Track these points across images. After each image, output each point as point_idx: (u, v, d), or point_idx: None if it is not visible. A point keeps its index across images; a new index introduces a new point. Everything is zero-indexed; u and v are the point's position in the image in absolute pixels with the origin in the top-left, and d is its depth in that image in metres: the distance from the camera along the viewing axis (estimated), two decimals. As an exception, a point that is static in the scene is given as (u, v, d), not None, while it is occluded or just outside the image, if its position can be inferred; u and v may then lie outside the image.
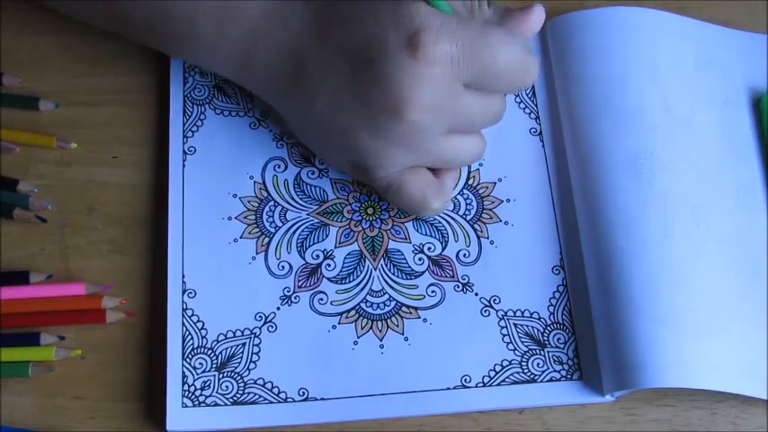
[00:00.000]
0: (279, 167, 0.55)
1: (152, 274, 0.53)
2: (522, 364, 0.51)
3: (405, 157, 0.50)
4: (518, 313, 0.52)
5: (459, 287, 0.52)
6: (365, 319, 0.51)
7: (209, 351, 0.50)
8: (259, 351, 0.51)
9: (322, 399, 0.50)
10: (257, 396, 0.50)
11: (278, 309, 0.52)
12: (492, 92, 0.50)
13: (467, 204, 0.54)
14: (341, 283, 0.52)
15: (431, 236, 0.53)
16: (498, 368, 0.50)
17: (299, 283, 0.52)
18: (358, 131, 0.49)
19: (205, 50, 0.51)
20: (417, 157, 0.50)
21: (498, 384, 0.50)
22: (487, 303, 0.52)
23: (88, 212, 0.54)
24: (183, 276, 0.52)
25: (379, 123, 0.48)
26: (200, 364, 0.50)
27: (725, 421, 0.50)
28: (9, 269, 0.53)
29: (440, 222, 0.54)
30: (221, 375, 0.50)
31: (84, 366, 0.51)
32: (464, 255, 0.53)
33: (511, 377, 0.50)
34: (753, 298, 0.51)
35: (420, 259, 0.53)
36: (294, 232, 0.53)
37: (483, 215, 0.54)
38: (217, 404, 0.49)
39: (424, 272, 0.53)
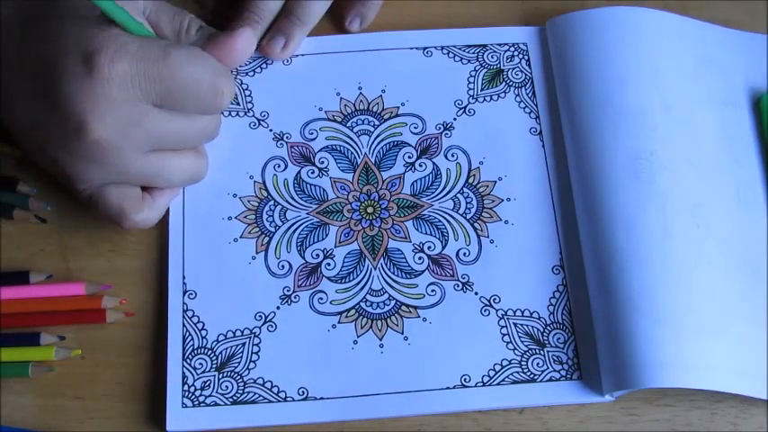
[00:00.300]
0: (279, 167, 0.55)
1: (152, 274, 0.53)
2: (522, 363, 0.51)
3: (99, 173, 0.49)
4: (518, 313, 0.52)
5: (458, 286, 0.52)
6: (365, 319, 0.51)
7: (209, 351, 0.50)
8: (259, 351, 0.51)
9: (322, 398, 0.50)
10: (257, 396, 0.50)
11: (278, 308, 0.52)
12: (183, 112, 0.49)
13: (467, 203, 0.54)
14: (341, 283, 0.52)
15: (431, 235, 0.53)
16: (498, 368, 0.50)
17: (299, 283, 0.52)
18: (51, 146, 0.48)
19: None
20: (113, 174, 0.49)
21: (498, 384, 0.50)
22: (487, 303, 0.52)
23: (88, 212, 0.54)
24: (184, 278, 0.52)
25: (67, 141, 0.47)
26: (200, 364, 0.50)
27: (725, 421, 0.50)
28: (9, 269, 0.53)
29: (440, 221, 0.54)
30: (221, 375, 0.50)
31: (84, 366, 0.51)
32: (464, 254, 0.53)
33: (510, 377, 0.50)
34: (753, 298, 0.51)
35: (420, 258, 0.53)
36: (294, 232, 0.53)
37: (483, 214, 0.54)
38: (217, 404, 0.49)
39: (424, 271, 0.53)
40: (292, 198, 0.54)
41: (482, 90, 0.57)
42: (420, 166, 0.55)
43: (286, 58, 0.57)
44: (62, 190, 0.54)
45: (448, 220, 0.54)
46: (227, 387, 0.50)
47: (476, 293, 0.52)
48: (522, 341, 0.51)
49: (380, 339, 0.51)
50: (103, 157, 0.47)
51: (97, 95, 0.45)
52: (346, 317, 0.51)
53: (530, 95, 0.57)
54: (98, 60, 0.45)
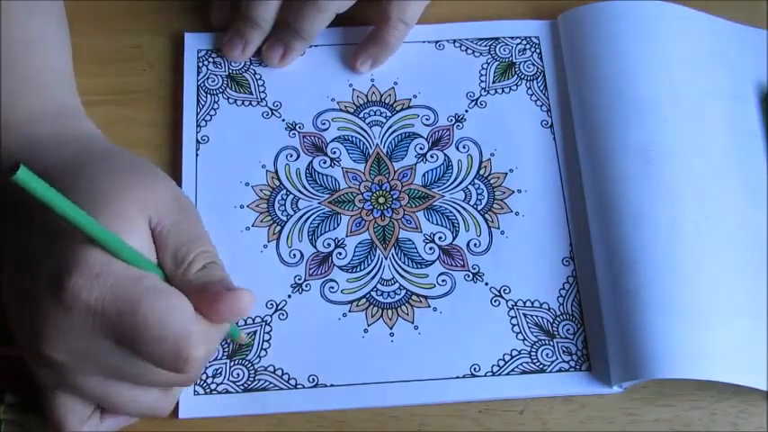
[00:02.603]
0: (291, 156, 0.55)
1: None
2: (532, 354, 0.51)
3: (52, 379, 0.44)
4: (528, 303, 0.52)
5: (469, 276, 0.52)
6: (375, 308, 0.52)
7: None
8: (270, 339, 0.51)
9: (332, 385, 0.50)
10: (268, 383, 0.50)
11: (289, 297, 0.52)
12: (142, 358, 0.42)
13: (478, 194, 0.55)
14: (352, 272, 0.53)
15: (442, 225, 0.54)
16: (507, 358, 0.51)
17: (311, 272, 0.52)
18: (17, 334, 0.45)
19: None
20: (68, 386, 0.44)
21: (507, 374, 0.50)
22: (497, 293, 0.52)
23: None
24: None
25: (28, 344, 0.44)
26: (212, 350, 0.50)
27: (725, 421, 0.50)
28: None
29: (451, 212, 0.54)
30: (232, 363, 0.50)
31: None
32: (475, 244, 0.53)
33: (520, 367, 0.50)
34: (759, 290, 0.51)
35: (431, 248, 0.53)
36: (306, 221, 0.54)
37: (494, 205, 0.54)
38: (228, 391, 0.50)
39: (435, 261, 0.53)
40: (304, 187, 0.54)
41: (494, 83, 0.57)
42: (431, 157, 0.55)
43: (285, 66, 0.57)
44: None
45: (459, 211, 0.54)
46: (238, 375, 0.50)
47: (486, 284, 0.52)
48: (531, 332, 0.51)
49: (391, 328, 0.51)
50: (58, 371, 0.43)
51: (57, 319, 0.41)
52: (357, 306, 0.52)
53: (541, 88, 0.57)
54: (64, 285, 0.41)
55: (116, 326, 0.41)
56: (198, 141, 0.55)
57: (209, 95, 0.56)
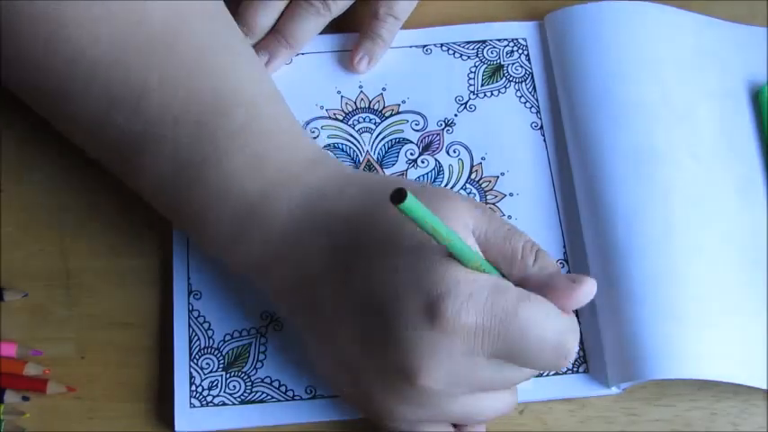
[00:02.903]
0: (281, 166, 0.55)
1: (152, 274, 0.53)
2: (528, 357, 0.51)
3: (416, 413, 0.45)
4: (523, 307, 0.52)
5: (463, 282, 0.52)
6: (371, 316, 0.51)
7: (216, 351, 0.50)
8: (266, 350, 0.51)
9: (330, 397, 0.50)
10: (265, 395, 0.50)
11: (284, 307, 0.52)
12: (524, 367, 0.44)
13: (470, 199, 0.54)
14: (346, 281, 0.52)
15: (435, 232, 0.54)
16: (504, 362, 0.51)
17: (305, 281, 0.52)
18: (367, 379, 0.44)
19: (215, 251, 0.49)
20: (431, 414, 0.45)
21: (505, 378, 0.50)
22: (492, 298, 0.52)
23: (88, 212, 0.54)
24: (189, 278, 0.52)
25: (390, 381, 0.43)
26: (208, 364, 0.50)
27: (725, 421, 0.50)
28: (8, 270, 0.53)
29: (443, 218, 0.54)
30: (228, 375, 0.50)
31: (84, 366, 0.51)
32: (468, 250, 0.53)
33: (517, 371, 0.50)
34: (753, 289, 0.51)
35: (424, 255, 0.53)
36: (298, 230, 0.53)
37: (486, 210, 0.54)
38: (225, 404, 0.49)
39: (429, 267, 0.53)
40: (296, 197, 0.54)
41: (482, 86, 0.57)
42: (422, 162, 0.55)
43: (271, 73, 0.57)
44: (62, 190, 0.54)
45: (451, 217, 0.54)
46: (234, 387, 0.50)
47: (481, 288, 0.52)
48: (527, 335, 0.51)
49: (387, 336, 0.51)
50: (426, 402, 0.43)
51: (437, 347, 0.41)
52: (352, 314, 0.52)
53: (530, 90, 0.57)
54: (444, 311, 0.40)
55: (497, 341, 0.41)
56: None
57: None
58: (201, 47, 0.48)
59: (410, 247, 0.43)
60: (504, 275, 0.44)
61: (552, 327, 0.42)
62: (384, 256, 0.43)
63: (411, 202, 0.36)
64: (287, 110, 0.50)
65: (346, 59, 0.58)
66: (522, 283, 0.44)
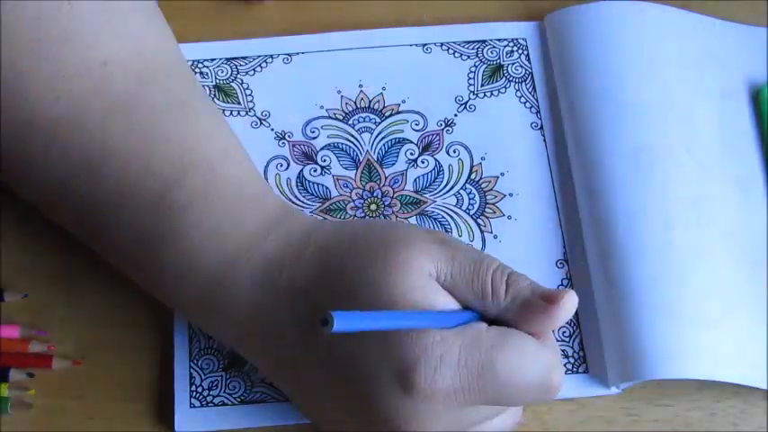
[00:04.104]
0: (281, 166, 0.55)
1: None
2: (528, 357, 0.51)
3: None
4: (523, 307, 0.52)
5: (463, 282, 0.52)
6: (370, 317, 0.51)
7: (216, 352, 0.50)
8: (266, 350, 0.51)
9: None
10: (265, 395, 0.50)
11: (283, 307, 0.52)
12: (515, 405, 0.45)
13: (469, 199, 0.54)
14: (346, 281, 0.52)
15: (435, 231, 0.54)
16: (504, 362, 0.51)
17: (304, 282, 0.52)
18: None
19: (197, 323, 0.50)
20: None
21: (504, 378, 0.50)
22: (492, 298, 0.52)
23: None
24: None
25: None
26: (208, 364, 0.50)
27: (725, 421, 0.50)
28: (8, 270, 0.53)
29: (443, 217, 0.54)
30: (229, 375, 0.50)
31: (84, 366, 0.51)
32: (468, 250, 0.53)
33: (517, 371, 0.50)
34: (753, 289, 0.51)
35: (424, 255, 0.53)
36: (298, 230, 0.53)
37: (486, 210, 0.54)
38: (225, 404, 0.49)
39: (429, 268, 0.53)
40: (296, 197, 0.54)
41: (482, 86, 0.57)
42: (422, 162, 0.55)
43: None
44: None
45: (451, 216, 0.54)
46: (234, 387, 0.50)
47: (480, 289, 0.52)
48: (527, 336, 0.51)
49: (386, 336, 0.51)
50: None
51: (419, 414, 0.40)
52: (352, 315, 0.51)
53: (530, 90, 0.57)
54: (416, 380, 0.39)
55: (479, 395, 0.40)
56: (187, 152, 0.54)
57: (196, 105, 0.56)
58: (160, 110, 0.47)
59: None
60: (481, 313, 0.43)
61: (532, 368, 0.41)
62: (355, 341, 0.41)
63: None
64: (246, 164, 0.49)
65: (346, 59, 0.58)
66: (501, 318, 0.43)
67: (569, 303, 0.42)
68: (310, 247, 0.45)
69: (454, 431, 0.42)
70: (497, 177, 0.55)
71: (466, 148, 0.56)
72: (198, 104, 0.50)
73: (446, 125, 0.56)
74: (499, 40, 0.59)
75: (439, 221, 0.54)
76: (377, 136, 0.56)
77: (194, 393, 0.49)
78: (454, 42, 0.58)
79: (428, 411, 0.40)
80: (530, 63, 0.58)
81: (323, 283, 0.43)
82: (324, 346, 0.43)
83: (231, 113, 0.56)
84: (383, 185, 0.55)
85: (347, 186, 0.55)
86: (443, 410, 0.40)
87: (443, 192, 0.55)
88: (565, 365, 0.50)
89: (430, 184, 0.55)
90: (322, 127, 0.56)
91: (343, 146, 0.56)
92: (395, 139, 0.56)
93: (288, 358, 0.44)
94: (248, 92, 0.56)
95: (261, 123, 0.56)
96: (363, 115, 0.56)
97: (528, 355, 0.41)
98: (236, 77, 0.57)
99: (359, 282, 0.39)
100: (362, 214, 0.54)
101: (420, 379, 0.39)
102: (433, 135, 0.56)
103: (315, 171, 0.55)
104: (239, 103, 0.56)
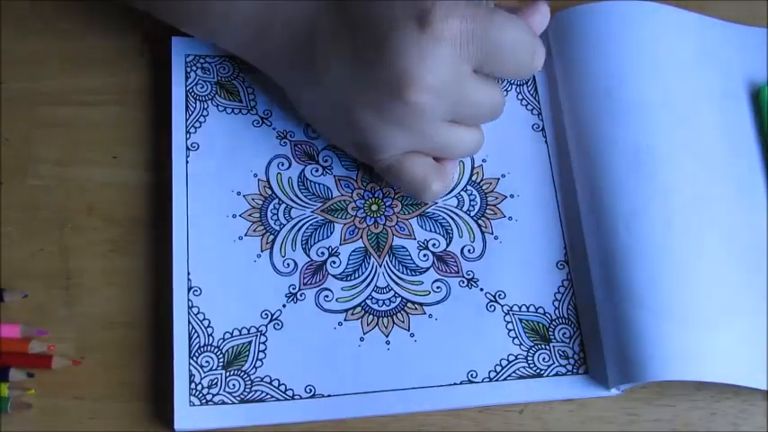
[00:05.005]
0: (283, 165, 0.55)
1: (152, 274, 0.53)
2: (528, 358, 0.51)
3: (405, 139, 0.50)
4: (523, 308, 0.52)
5: (464, 283, 0.52)
6: (371, 316, 0.51)
7: (216, 349, 0.50)
8: (265, 349, 0.50)
9: (329, 395, 0.50)
10: (264, 394, 0.50)
11: (284, 306, 0.51)
12: (500, 76, 0.50)
13: (470, 200, 0.54)
14: (346, 280, 0.52)
15: (435, 232, 0.54)
16: (504, 363, 0.51)
17: (305, 281, 0.52)
18: (361, 109, 0.49)
19: (216, 22, 0.52)
20: (417, 141, 0.50)
21: (504, 379, 0.50)
22: (492, 299, 0.52)
23: (88, 212, 0.54)
24: (189, 274, 0.51)
25: (382, 102, 0.48)
26: (207, 362, 0.50)
27: (725, 421, 0.50)
28: (8, 270, 0.53)
29: (444, 218, 0.54)
30: (228, 373, 0.50)
31: (84, 366, 0.51)
32: (469, 250, 0.53)
33: (517, 372, 0.50)
34: (753, 289, 0.51)
35: (425, 255, 0.53)
36: (299, 230, 0.53)
37: (487, 211, 0.54)
38: (224, 402, 0.49)
39: (429, 268, 0.53)
40: (297, 196, 0.54)
41: (484, 87, 0.57)
42: (424, 164, 0.55)
43: None
44: (62, 190, 0.55)
45: (452, 218, 0.54)
46: (234, 385, 0.50)
47: (481, 289, 0.52)
48: (527, 336, 0.51)
49: (387, 336, 0.51)
50: (416, 122, 0.48)
51: (427, 53, 0.46)
52: (352, 314, 0.51)
53: (531, 92, 0.57)
54: (432, 18, 0.46)
55: (479, 45, 0.47)
56: (188, 148, 0.54)
57: (198, 102, 0.56)
58: None
59: None
60: None
61: (524, 26, 0.49)
62: None
63: None
64: None
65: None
66: None
67: (544, 10, 0.52)
68: None
69: (447, 89, 0.47)
70: (498, 179, 0.55)
71: (467, 149, 0.56)
72: None
73: (447, 126, 0.56)
74: (501, 41, 0.59)
75: (440, 223, 0.54)
76: (378, 136, 0.56)
77: (194, 391, 0.49)
78: (456, 44, 0.58)
79: (435, 51, 0.46)
80: (531, 65, 0.58)
81: None
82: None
83: (233, 111, 0.56)
84: (384, 186, 0.55)
85: (349, 187, 0.54)
86: (448, 56, 0.46)
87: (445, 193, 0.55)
88: (565, 366, 0.51)
89: None
90: (322, 130, 0.56)
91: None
92: (396, 139, 0.56)
93: (311, 17, 0.50)
94: (250, 90, 0.56)
95: (263, 122, 0.56)
96: (365, 115, 0.56)
97: (519, 23, 0.49)
98: (238, 75, 0.57)
99: None
100: (363, 214, 0.54)
101: (435, 16, 0.46)
102: (434, 136, 0.56)
103: (316, 171, 0.55)
104: (241, 101, 0.56)
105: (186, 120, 0.55)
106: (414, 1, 0.47)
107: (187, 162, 0.54)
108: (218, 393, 0.49)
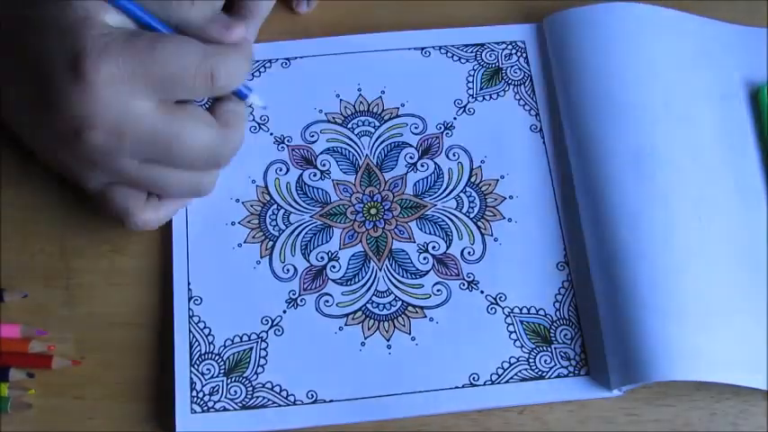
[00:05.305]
0: (280, 170, 0.55)
1: (153, 274, 0.53)
2: (530, 360, 0.51)
3: (101, 174, 0.48)
4: (524, 310, 0.52)
5: (464, 285, 0.52)
6: (372, 320, 0.51)
7: (217, 357, 0.50)
8: (266, 355, 0.50)
9: (331, 401, 0.50)
10: (266, 400, 0.50)
11: (284, 312, 0.51)
12: (194, 98, 0.48)
13: (470, 202, 0.54)
14: (346, 285, 0.52)
15: (435, 235, 0.53)
16: (506, 365, 0.51)
17: (305, 286, 0.52)
18: (55, 148, 0.48)
19: None
20: (114, 176, 0.49)
21: (506, 382, 0.50)
22: (493, 301, 0.52)
23: (88, 212, 0.54)
24: (189, 284, 0.52)
25: (68, 143, 0.46)
26: (208, 369, 0.50)
27: (725, 421, 0.50)
28: (8, 270, 0.53)
29: (443, 221, 0.54)
30: (229, 380, 0.50)
31: (84, 367, 0.51)
32: (469, 253, 0.53)
33: (519, 374, 0.50)
34: (753, 289, 0.51)
35: (425, 258, 0.53)
36: (298, 235, 0.53)
37: (486, 213, 0.54)
38: (226, 409, 0.49)
39: (429, 271, 0.53)
40: (295, 201, 0.54)
41: (481, 89, 0.57)
42: (422, 166, 0.55)
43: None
44: (62, 190, 0.54)
45: (452, 220, 0.54)
46: (235, 392, 0.50)
47: (481, 292, 0.52)
48: (528, 338, 0.51)
49: (388, 340, 0.51)
50: (101, 161, 0.47)
51: (90, 99, 0.44)
52: (353, 319, 0.51)
53: (529, 93, 0.57)
54: (83, 63, 0.44)
55: (143, 78, 0.44)
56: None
57: (195, 109, 0.56)
58: None
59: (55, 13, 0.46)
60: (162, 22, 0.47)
61: (191, 53, 0.46)
62: (32, 5, 0.46)
63: None
64: None
65: (345, 62, 0.58)
66: (180, 28, 0.47)
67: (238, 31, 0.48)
68: None
69: (124, 130, 0.45)
70: (497, 180, 0.55)
71: (465, 151, 0.56)
72: None
73: (445, 128, 0.56)
74: (498, 43, 0.59)
75: (440, 225, 0.54)
76: (376, 140, 0.56)
77: (195, 399, 0.49)
78: (453, 46, 0.58)
79: (98, 98, 0.44)
80: (528, 66, 0.58)
81: None
82: (17, 35, 0.47)
83: (230, 118, 0.56)
84: (383, 189, 0.55)
85: (347, 191, 0.54)
86: (113, 98, 0.44)
87: (443, 195, 0.55)
88: (566, 368, 0.50)
89: (430, 188, 0.55)
90: (321, 131, 0.56)
91: (343, 150, 0.55)
92: (394, 142, 0.56)
93: None
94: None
95: (260, 128, 0.56)
96: (362, 119, 0.56)
97: (187, 42, 0.46)
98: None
99: None
100: (362, 218, 0.54)
101: (86, 64, 0.44)
102: (432, 138, 0.56)
103: (314, 175, 0.55)
104: (238, 108, 0.56)
105: None
106: (63, 44, 0.45)
107: None
108: (219, 400, 0.49)
